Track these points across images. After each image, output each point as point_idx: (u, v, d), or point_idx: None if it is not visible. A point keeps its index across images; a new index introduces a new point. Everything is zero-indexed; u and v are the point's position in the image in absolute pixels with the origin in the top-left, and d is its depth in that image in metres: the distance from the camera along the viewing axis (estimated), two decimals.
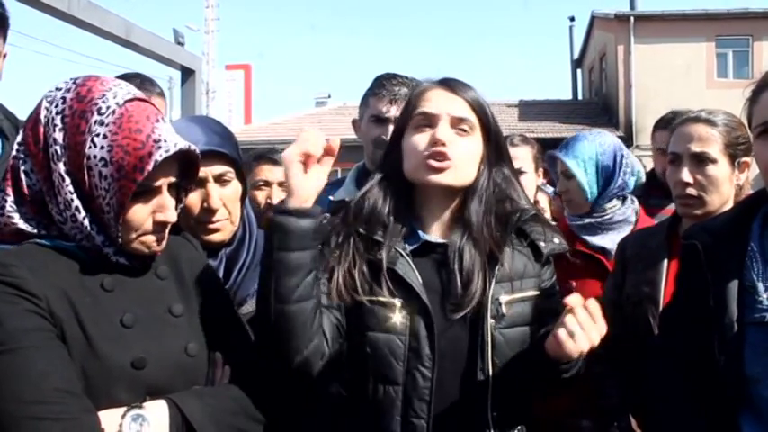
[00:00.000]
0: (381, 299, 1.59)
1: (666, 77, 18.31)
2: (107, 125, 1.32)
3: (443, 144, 1.62)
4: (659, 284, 2.09)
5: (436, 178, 1.63)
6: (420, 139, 1.65)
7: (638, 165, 2.71)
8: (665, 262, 2.11)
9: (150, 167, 1.31)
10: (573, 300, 1.43)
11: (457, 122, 1.65)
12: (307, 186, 1.46)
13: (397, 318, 1.58)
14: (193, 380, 1.43)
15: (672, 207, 3.01)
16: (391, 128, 2.41)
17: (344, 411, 1.64)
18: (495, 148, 1.71)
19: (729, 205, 2.05)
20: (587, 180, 2.57)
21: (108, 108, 1.33)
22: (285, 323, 1.46)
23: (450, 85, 1.70)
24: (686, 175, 2.04)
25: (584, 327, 1.43)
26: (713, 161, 2.02)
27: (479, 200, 1.67)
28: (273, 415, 1.49)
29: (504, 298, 1.62)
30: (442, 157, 1.62)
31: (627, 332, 2.14)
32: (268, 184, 2.85)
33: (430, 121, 1.65)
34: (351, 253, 1.63)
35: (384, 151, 1.80)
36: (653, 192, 3.34)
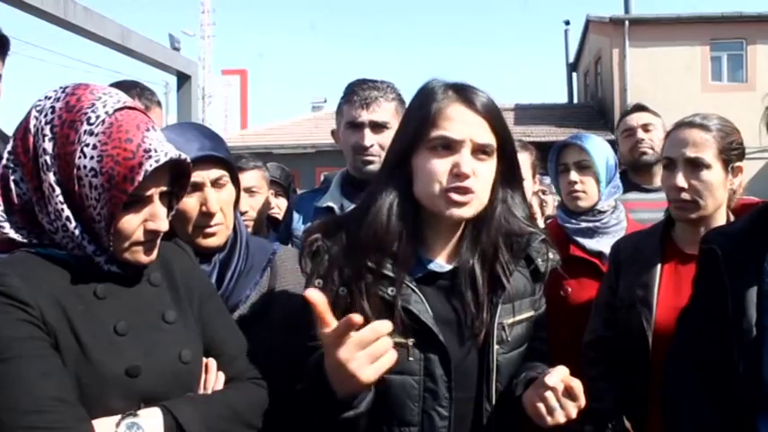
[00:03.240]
0: (396, 340, 1.44)
1: (661, 81, 18.32)
2: (97, 135, 1.32)
3: (467, 177, 1.49)
4: (652, 288, 2.09)
5: (459, 212, 1.52)
6: (440, 166, 1.50)
7: None
8: (659, 265, 2.12)
9: (141, 177, 1.31)
10: (554, 379, 1.40)
11: (478, 148, 1.52)
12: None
13: (411, 358, 1.50)
14: (187, 387, 1.43)
15: (631, 200, 3.03)
16: (366, 132, 2.44)
17: None
18: (510, 166, 1.61)
19: (723, 209, 2.07)
20: (603, 172, 2.57)
21: (98, 117, 1.32)
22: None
23: (469, 99, 1.53)
24: (681, 180, 2.05)
25: (562, 404, 1.41)
26: (707, 166, 2.03)
27: (492, 222, 1.59)
28: (268, 421, 1.49)
29: (507, 321, 1.58)
30: (464, 189, 1.50)
31: (620, 335, 2.15)
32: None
33: (450, 145, 1.51)
34: (363, 290, 1.51)
35: (384, 164, 1.67)
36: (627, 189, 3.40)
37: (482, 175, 1.53)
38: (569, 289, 2.51)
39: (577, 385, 1.41)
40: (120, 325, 1.35)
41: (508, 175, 1.61)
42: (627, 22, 19.33)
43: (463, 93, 1.54)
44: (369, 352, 1.29)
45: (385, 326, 1.30)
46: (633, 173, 3.41)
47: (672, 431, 1.66)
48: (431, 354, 1.51)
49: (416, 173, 1.55)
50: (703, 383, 1.57)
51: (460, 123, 1.51)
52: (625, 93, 19.11)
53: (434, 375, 1.51)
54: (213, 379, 1.49)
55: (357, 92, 2.50)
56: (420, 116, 1.55)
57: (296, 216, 2.67)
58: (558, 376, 1.40)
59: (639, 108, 3.66)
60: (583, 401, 1.42)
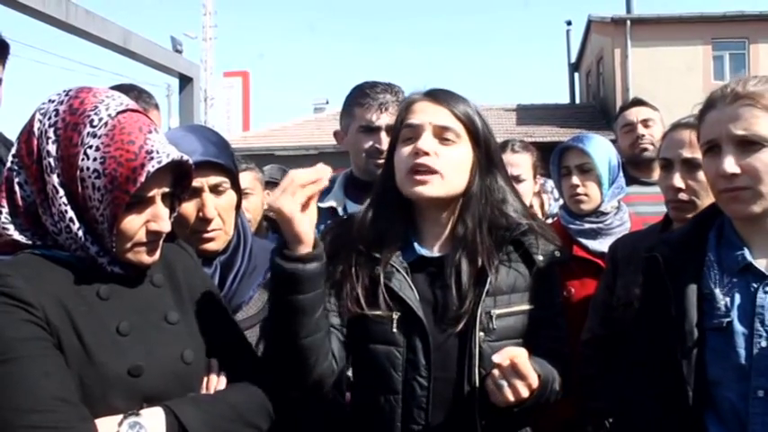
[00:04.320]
0: (380, 313, 1.64)
1: (664, 80, 18.31)
2: (100, 137, 1.33)
3: (426, 154, 1.63)
4: None
5: (419, 190, 1.65)
6: (404, 152, 1.68)
7: None
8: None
9: (143, 179, 1.32)
10: (500, 356, 1.50)
11: (440, 132, 1.66)
12: (310, 230, 1.47)
13: (395, 330, 1.63)
14: (190, 387, 1.44)
15: (630, 193, 3.03)
16: (383, 135, 2.43)
17: (347, 419, 1.69)
18: (486, 154, 1.71)
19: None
20: (605, 175, 2.58)
21: (100, 120, 1.34)
22: (300, 354, 1.52)
23: (433, 95, 1.71)
24: (678, 181, 2.06)
25: (509, 382, 1.50)
26: None
27: (473, 210, 1.69)
28: (270, 421, 1.51)
29: (495, 312, 1.65)
30: (424, 168, 1.64)
31: (617, 334, 2.16)
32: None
33: (414, 132, 1.68)
34: (353, 269, 1.67)
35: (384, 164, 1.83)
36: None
37: (446, 156, 1.66)
38: (572, 290, 2.51)
39: (523, 363, 1.50)
40: (122, 325, 1.36)
41: (486, 163, 1.71)
42: (629, 22, 19.34)
43: (430, 92, 1.74)
44: (282, 188, 1.43)
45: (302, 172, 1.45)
46: (632, 167, 3.42)
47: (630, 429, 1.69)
48: (412, 328, 1.63)
49: (394, 165, 1.72)
50: (653, 386, 1.61)
51: (421, 112, 1.69)
52: (627, 92, 19.08)
53: (415, 347, 1.63)
54: (215, 379, 1.51)
55: (371, 95, 2.50)
56: (397, 118, 1.78)
57: None
58: (506, 354, 1.50)
59: (638, 102, 3.66)
60: (533, 381, 1.51)
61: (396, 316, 1.63)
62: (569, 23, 24.69)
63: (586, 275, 2.51)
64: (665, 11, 20.12)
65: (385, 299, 1.63)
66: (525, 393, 1.51)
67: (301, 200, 1.43)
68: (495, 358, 1.50)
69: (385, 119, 2.44)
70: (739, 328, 1.50)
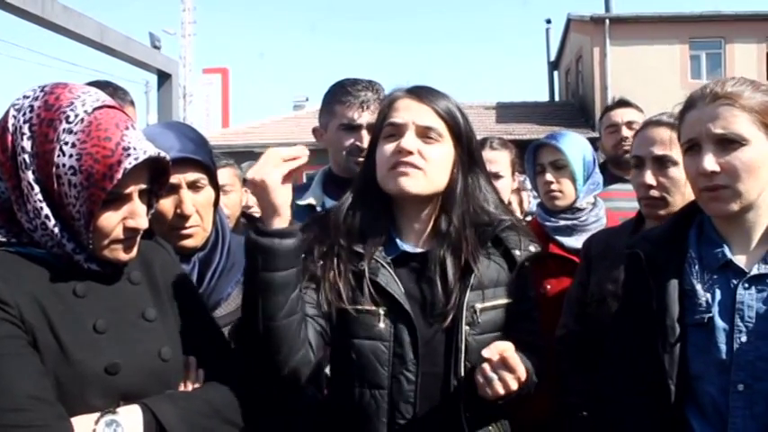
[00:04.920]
0: (366, 307, 1.63)
1: (641, 79, 18.47)
2: (75, 133, 1.32)
3: (409, 153, 1.64)
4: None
5: (402, 184, 1.66)
6: (387, 149, 1.68)
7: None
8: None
9: (119, 175, 1.32)
10: (490, 351, 1.51)
11: (423, 131, 1.67)
12: (287, 204, 1.48)
13: (382, 325, 1.63)
14: (167, 384, 1.44)
15: (616, 189, 3.07)
16: (364, 134, 2.41)
17: (329, 415, 1.68)
18: (468, 152, 1.73)
19: None
20: (579, 171, 2.59)
21: (76, 116, 1.33)
22: (273, 338, 1.50)
23: (417, 93, 1.72)
24: (649, 178, 2.09)
25: (499, 375, 1.52)
26: (675, 163, 2.06)
27: (455, 207, 1.70)
28: (249, 418, 1.50)
29: (478, 305, 1.66)
30: (408, 165, 1.65)
31: (591, 330, 2.18)
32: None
33: (397, 130, 1.68)
34: (335, 263, 1.66)
35: (363, 161, 1.84)
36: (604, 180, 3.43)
37: (429, 155, 1.67)
38: (548, 287, 2.52)
39: (512, 356, 1.51)
40: (99, 323, 1.36)
41: (467, 161, 1.73)
42: (607, 21, 19.50)
43: (413, 89, 1.74)
44: (264, 161, 1.47)
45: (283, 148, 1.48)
46: (614, 166, 3.45)
47: (611, 425, 1.71)
48: (399, 322, 1.64)
49: (376, 162, 1.72)
50: (635, 381, 1.64)
51: (404, 111, 1.70)
52: (606, 91, 19.26)
53: (403, 341, 1.63)
54: (193, 376, 1.50)
55: (353, 92, 2.47)
56: (379, 114, 1.78)
57: None
58: (495, 349, 1.51)
59: (624, 103, 3.69)
60: (522, 374, 1.53)
61: (382, 311, 1.63)
62: (549, 22, 24.89)
63: (562, 273, 2.52)
64: (644, 10, 20.42)
65: (371, 293, 1.63)
66: (515, 386, 1.53)
67: (283, 171, 1.45)
68: (485, 353, 1.51)
69: (366, 117, 2.42)
70: (720, 323, 1.53)
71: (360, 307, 1.64)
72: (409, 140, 1.66)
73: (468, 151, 1.73)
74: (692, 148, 1.58)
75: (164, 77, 4.37)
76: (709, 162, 1.51)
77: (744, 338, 1.50)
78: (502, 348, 1.52)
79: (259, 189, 1.46)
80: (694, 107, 1.58)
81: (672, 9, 19.73)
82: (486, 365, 1.53)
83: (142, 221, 1.42)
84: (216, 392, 1.47)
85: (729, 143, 1.51)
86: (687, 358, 1.56)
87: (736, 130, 1.50)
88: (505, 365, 1.51)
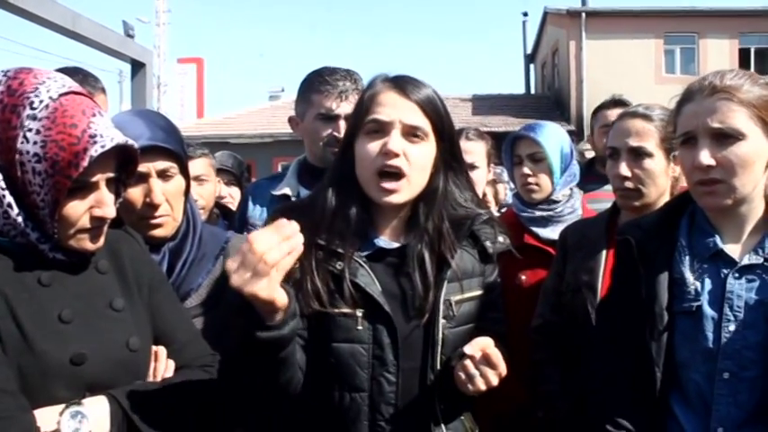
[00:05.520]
0: (344, 310, 1.59)
1: (616, 73, 18.62)
2: (40, 120, 1.29)
3: (396, 155, 1.59)
4: (598, 273, 2.14)
5: (389, 199, 1.62)
6: (371, 148, 1.62)
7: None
8: (604, 252, 2.17)
9: (86, 163, 1.29)
10: (472, 347, 1.49)
11: (409, 130, 1.62)
12: (284, 294, 1.33)
13: (360, 327, 1.59)
14: (135, 375, 1.42)
15: (605, 190, 3.08)
16: (342, 124, 2.37)
17: (309, 418, 1.63)
18: (450, 149, 1.70)
19: (666, 197, 2.12)
20: (557, 164, 2.59)
21: (41, 102, 1.30)
22: (277, 390, 1.50)
23: (402, 86, 1.64)
24: (624, 169, 2.10)
25: (481, 371, 1.50)
26: (650, 155, 2.08)
27: (434, 204, 1.67)
28: (217, 409, 1.49)
29: (454, 298, 1.65)
30: (393, 170, 1.60)
31: (566, 319, 2.19)
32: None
33: (382, 128, 1.62)
34: (313, 265, 1.59)
35: (337, 152, 1.77)
36: (590, 179, 3.43)
37: (414, 157, 1.62)
38: (523, 277, 2.52)
39: (494, 353, 1.49)
40: (65, 312, 1.34)
41: (449, 158, 1.70)
42: (584, 15, 19.61)
43: (397, 81, 1.67)
44: (252, 268, 1.25)
45: (258, 236, 1.27)
46: (603, 166, 3.46)
47: (594, 412, 1.72)
48: (378, 324, 1.59)
49: (356, 157, 1.66)
50: (622, 368, 1.65)
51: (390, 107, 1.63)
52: (581, 84, 19.39)
53: (382, 343, 1.59)
54: (162, 367, 1.49)
55: (331, 82, 2.43)
56: (359, 105, 1.69)
57: (251, 204, 2.63)
58: (477, 345, 1.49)
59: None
60: (503, 370, 1.51)
61: (360, 313, 1.59)
62: (526, 15, 24.93)
63: (538, 264, 2.52)
64: (620, 4, 20.35)
65: (352, 295, 1.58)
66: (496, 382, 1.51)
67: (279, 279, 1.28)
68: (467, 350, 1.49)
69: (345, 107, 2.38)
70: (709, 312, 1.55)
71: (338, 310, 1.58)
72: (396, 141, 1.60)
73: (450, 148, 1.70)
74: (689, 141, 1.57)
75: (137, 67, 4.31)
76: (705, 156, 1.51)
77: (732, 327, 1.52)
78: (484, 344, 1.50)
79: (251, 300, 1.29)
80: (692, 100, 1.57)
81: (647, 4, 19.92)
82: (468, 362, 1.50)
83: (109, 210, 1.39)
84: (186, 383, 1.46)
85: (726, 137, 1.51)
86: (674, 346, 1.58)
87: (733, 124, 1.50)
88: (487, 362, 1.50)
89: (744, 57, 19.41)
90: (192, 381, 1.48)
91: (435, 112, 1.66)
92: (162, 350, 1.50)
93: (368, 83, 1.72)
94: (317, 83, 2.47)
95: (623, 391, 1.64)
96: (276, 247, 1.26)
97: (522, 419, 2.35)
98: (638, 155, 2.09)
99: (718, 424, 1.53)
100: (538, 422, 2.30)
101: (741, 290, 1.54)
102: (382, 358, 1.59)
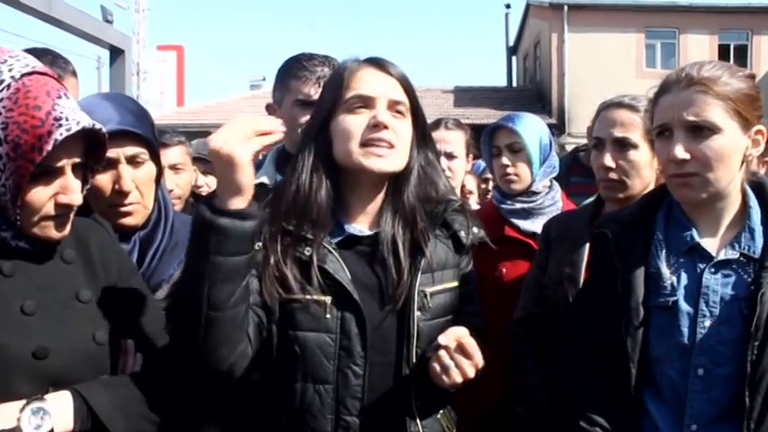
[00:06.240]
0: (313, 297, 1.53)
1: (598, 66, 18.73)
2: (1, 100, 1.23)
3: (386, 127, 1.55)
4: (580, 266, 2.12)
5: (380, 165, 1.56)
6: (358, 122, 1.56)
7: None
8: (587, 244, 2.13)
9: (50, 147, 1.23)
10: (446, 338, 1.45)
11: (393, 105, 1.59)
12: (251, 182, 1.34)
13: (328, 316, 1.53)
14: (102, 369, 1.38)
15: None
16: None
17: (270, 410, 1.58)
18: (422, 130, 1.67)
19: (650, 189, 2.09)
20: (536, 154, 2.56)
21: (2, 82, 1.24)
22: (216, 330, 1.37)
23: (380, 64, 1.62)
24: (609, 160, 2.07)
25: (457, 362, 1.46)
26: (635, 146, 2.05)
27: (411, 186, 1.63)
28: (187, 403, 1.45)
29: (428, 289, 1.60)
30: (384, 143, 1.56)
31: (549, 312, 2.18)
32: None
33: (366, 103, 1.57)
34: (279, 250, 1.54)
35: (304, 134, 1.70)
36: (575, 170, 3.41)
37: (400, 130, 1.59)
38: (504, 269, 2.51)
39: (470, 343, 1.45)
40: (27, 304, 1.29)
41: (422, 139, 1.67)
42: (566, 8, 19.69)
43: (375, 60, 1.64)
44: (233, 132, 1.31)
45: (243, 115, 1.34)
46: (586, 158, 3.44)
47: (570, 408, 1.71)
48: (347, 312, 1.54)
49: (335, 136, 1.60)
50: (595, 363, 1.64)
51: (374, 82, 1.60)
52: (563, 77, 19.48)
53: (350, 334, 1.54)
54: (131, 361, 1.44)
55: (309, 67, 2.37)
56: (335, 83, 1.63)
57: None
58: (452, 335, 1.45)
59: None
60: (479, 361, 1.47)
61: (328, 300, 1.53)
62: (508, 7, 25.10)
63: (518, 256, 2.51)
64: None
65: (320, 282, 1.52)
66: (472, 374, 1.47)
67: (254, 147, 1.32)
68: (442, 340, 1.45)
69: None
70: (684, 307, 1.54)
71: (305, 297, 1.52)
72: (384, 114, 1.56)
73: (423, 130, 1.67)
74: (664, 133, 1.56)
75: (116, 53, 4.24)
76: (680, 150, 1.51)
77: (707, 323, 1.52)
78: (459, 334, 1.46)
79: (223, 163, 1.30)
80: (669, 91, 1.56)
81: None
82: (443, 353, 1.46)
83: (75, 197, 1.33)
84: (155, 378, 1.41)
85: (701, 131, 1.50)
86: (648, 341, 1.57)
87: (709, 118, 1.49)
88: (463, 352, 1.46)
89: (723, 52, 19.57)
90: (160, 375, 1.43)
91: (412, 90, 1.64)
92: (130, 344, 1.45)
93: (340, 65, 1.69)
94: (294, 69, 2.42)
95: (597, 387, 1.63)
96: (260, 123, 1.34)
97: (501, 415, 2.33)
98: (623, 146, 2.07)
99: (691, 420, 1.53)
100: (517, 417, 2.29)
101: (717, 285, 1.53)
102: (349, 349, 1.53)
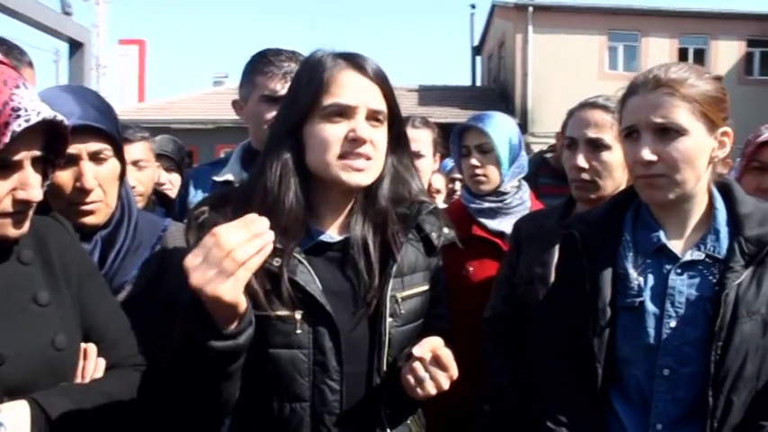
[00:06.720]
0: (281, 313, 1.44)
1: (561, 67, 18.95)
2: None
3: (364, 142, 1.48)
4: (551, 266, 2.11)
5: (357, 180, 1.50)
6: (335, 133, 1.48)
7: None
8: (558, 244, 2.13)
9: (7, 139, 1.18)
10: (421, 349, 1.40)
11: (372, 114, 1.51)
12: (243, 298, 1.22)
13: (299, 331, 1.46)
14: (62, 376, 1.32)
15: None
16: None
17: (247, 428, 1.52)
18: (398, 131, 1.61)
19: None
20: (505, 155, 2.55)
21: None
22: (216, 410, 1.37)
23: (361, 65, 1.52)
24: (581, 161, 2.08)
25: (432, 374, 1.41)
26: (608, 147, 2.06)
27: (383, 189, 1.58)
28: (152, 410, 1.39)
29: (400, 294, 1.55)
30: (363, 156, 1.49)
31: (519, 312, 2.18)
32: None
33: (345, 112, 1.49)
34: None
35: (272, 135, 1.60)
36: (542, 171, 3.41)
37: (378, 142, 1.52)
38: (471, 269, 2.51)
39: (446, 354, 1.40)
40: None
41: (397, 142, 1.61)
42: (531, 9, 19.85)
43: (353, 60, 1.53)
44: (217, 266, 1.14)
45: (225, 230, 1.15)
46: (554, 160, 3.44)
47: (537, 407, 1.72)
48: (319, 326, 1.47)
49: (309, 141, 1.51)
50: (563, 363, 1.65)
51: (353, 90, 1.50)
52: (527, 78, 19.64)
53: (324, 348, 1.48)
54: (92, 366, 1.39)
55: (275, 63, 2.35)
56: (312, 85, 1.51)
57: (192, 190, 2.53)
58: (427, 346, 1.40)
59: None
60: (454, 372, 1.42)
61: (299, 315, 1.45)
62: (473, 7, 25.12)
63: (486, 255, 2.50)
64: (567, 0, 20.71)
65: (290, 296, 1.44)
66: (447, 385, 1.42)
67: (246, 280, 1.18)
68: (417, 351, 1.39)
69: None
70: (651, 308, 1.56)
71: (274, 313, 1.44)
72: (363, 127, 1.48)
73: (399, 130, 1.61)
74: (632, 135, 1.58)
75: (75, 46, 4.13)
76: (647, 152, 1.52)
77: (673, 324, 1.54)
78: (434, 345, 1.41)
79: (210, 302, 1.17)
80: (636, 93, 1.58)
81: (593, 1, 20.29)
82: (417, 365, 1.41)
83: (35, 193, 1.27)
84: (117, 384, 1.37)
85: (668, 132, 1.52)
86: (615, 341, 1.58)
87: (676, 120, 1.51)
88: (438, 363, 1.41)
89: (682, 56, 19.96)
90: (123, 381, 1.38)
91: (391, 92, 1.56)
92: (91, 348, 1.40)
93: (313, 60, 1.55)
94: (261, 64, 2.39)
95: (565, 387, 1.64)
96: (246, 243, 1.15)
97: (467, 414, 2.32)
98: (596, 146, 2.08)
99: (656, 420, 1.55)
100: (483, 416, 2.27)
101: (682, 286, 1.56)
102: (324, 364, 1.48)
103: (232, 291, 1.15)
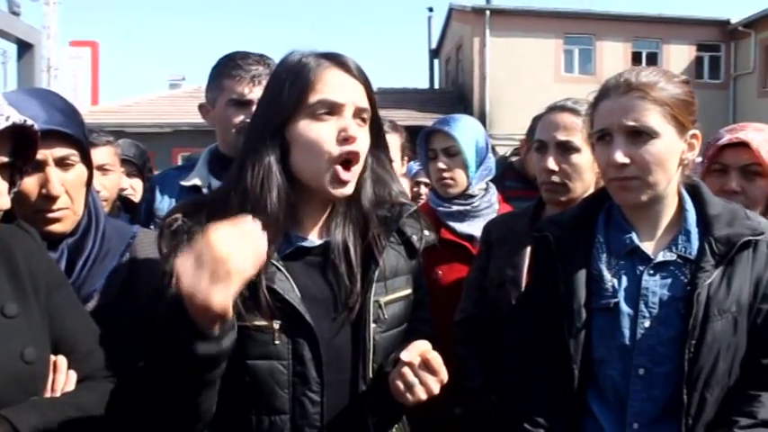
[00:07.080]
0: (260, 323, 1.40)
1: (518, 70, 19.22)
2: None
3: (355, 141, 1.43)
4: (522, 268, 2.13)
5: (343, 191, 1.46)
6: (325, 132, 1.43)
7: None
8: (529, 247, 2.14)
9: None
10: (410, 353, 1.37)
11: (359, 113, 1.47)
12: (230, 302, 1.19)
13: (277, 342, 1.41)
14: (32, 390, 1.28)
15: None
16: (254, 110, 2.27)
17: None
18: (378, 135, 1.57)
19: (590, 191, 2.12)
20: (472, 158, 2.56)
21: None
22: (195, 419, 1.34)
23: (345, 64, 1.48)
24: (551, 163, 2.10)
25: (422, 379, 1.38)
26: (577, 150, 2.08)
27: (367, 193, 1.55)
28: (125, 423, 1.35)
29: (383, 299, 1.52)
30: (355, 157, 1.45)
31: (490, 314, 2.18)
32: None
33: (332, 109, 1.44)
34: None
35: (250, 138, 1.52)
36: (508, 175, 3.44)
37: (363, 140, 1.48)
38: (440, 272, 2.51)
39: (435, 358, 1.38)
40: None
41: (377, 143, 1.57)
42: (488, 12, 20.08)
43: (337, 59, 1.49)
44: (210, 272, 1.13)
45: (219, 235, 1.13)
46: (520, 164, 3.46)
47: (514, 409, 1.72)
48: (299, 336, 1.43)
49: (295, 143, 1.45)
50: (538, 365, 1.66)
51: (341, 87, 1.46)
52: (484, 80, 19.85)
53: (303, 359, 1.43)
54: (63, 379, 1.35)
55: (243, 66, 2.33)
56: (296, 83, 1.45)
57: (159, 195, 2.48)
58: (416, 351, 1.38)
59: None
60: (444, 376, 1.40)
61: (277, 325, 1.40)
62: (431, 10, 25.37)
63: (454, 259, 2.51)
64: (523, 4, 20.96)
65: (269, 304, 1.39)
66: (437, 390, 1.39)
67: (238, 287, 1.16)
68: (405, 356, 1.37)
69: (258, 92, 2.24)
70: (625, 308, 1.58)
71: (252, 323, 1.39)
72: (353, 125, 1.45)
73: (379, 131, 1.58)
74: (604, 138, 1.60)
75: (24, 48, 4.03)
76: (619, 155, 1.54)
77: (647, 324, 1.56)
78: (423, 350, 1.38)
79: (198, 310, 1.15)
80: (608, 96, 1.60)
81: (549, 4, 20.77)
82: (406, 370, 1.38)
83: (2, 201, 1.23)
84: (88, 397, 1.33)
85: (640, 135, 1.55)
86: (591, 342, 1.60)
87: (647, 123, 1.54)
88: (427, 368, 1.38)
89: (636, 59, 20.37)
90: (95, 393, 1.34)
91: (372, 92, 1.54)
92: (62, 360, 1.36)
93: (296, 60, 1.49)
94: (228, 67, 2.36)
95: (541, 389, 1.65)
96: (240, 249, 1.13)
97: (437, 417, 2.31)
98: (566, 149, 2.10)
99: (633, 419, 1.57)
100: (454, 419, 2.27)
101: (656, 286, 1.58)
102: (304, 375, 1.43)
103: (224, 298, 1.14)
